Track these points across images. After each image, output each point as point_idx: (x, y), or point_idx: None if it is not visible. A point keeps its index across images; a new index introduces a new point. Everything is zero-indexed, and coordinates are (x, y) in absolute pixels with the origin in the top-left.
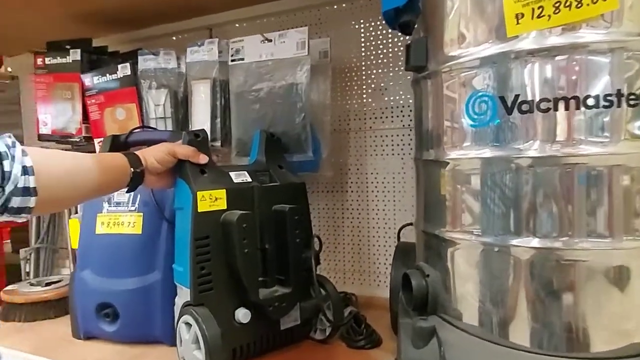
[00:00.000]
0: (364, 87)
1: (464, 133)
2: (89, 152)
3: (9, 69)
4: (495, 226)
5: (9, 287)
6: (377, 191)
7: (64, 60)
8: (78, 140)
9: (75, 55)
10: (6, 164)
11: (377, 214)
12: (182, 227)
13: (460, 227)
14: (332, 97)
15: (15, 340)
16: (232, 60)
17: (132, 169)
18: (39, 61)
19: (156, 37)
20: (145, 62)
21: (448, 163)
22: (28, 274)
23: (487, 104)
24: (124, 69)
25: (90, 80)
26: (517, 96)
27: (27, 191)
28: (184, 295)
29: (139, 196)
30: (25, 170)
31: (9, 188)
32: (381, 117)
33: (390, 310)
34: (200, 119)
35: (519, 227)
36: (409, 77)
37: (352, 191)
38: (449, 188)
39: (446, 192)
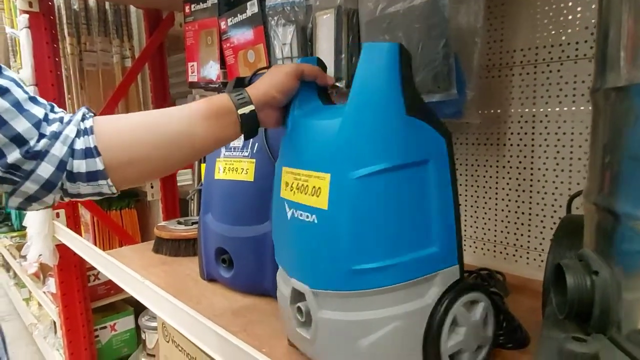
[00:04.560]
0: (538, 3)
1: None
2: None
3: (181, 24)
4: None
5: (162, 223)
6: (548, 145)
7: (204, 6)
8: (217, 86)
9: None
10: (54, 126)
11: (544, 175)
12: (431, 188)
13: None
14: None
15: (156, 272)
16: None
17: (237, 110)
18: (187, 9)
19: None
20: None
21: None
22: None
23: None
24: (252, 7)
25: (225, 23)
26: None
27: (89, 152)
28: (419, 290)
29: (253, 141)
30: (85, 132)
31: (57, 148)
32: (560, 46)
33: (542, 305)
34: (324, 56)
35: None
36: None
37: (511, 144)
38: None
39: None
